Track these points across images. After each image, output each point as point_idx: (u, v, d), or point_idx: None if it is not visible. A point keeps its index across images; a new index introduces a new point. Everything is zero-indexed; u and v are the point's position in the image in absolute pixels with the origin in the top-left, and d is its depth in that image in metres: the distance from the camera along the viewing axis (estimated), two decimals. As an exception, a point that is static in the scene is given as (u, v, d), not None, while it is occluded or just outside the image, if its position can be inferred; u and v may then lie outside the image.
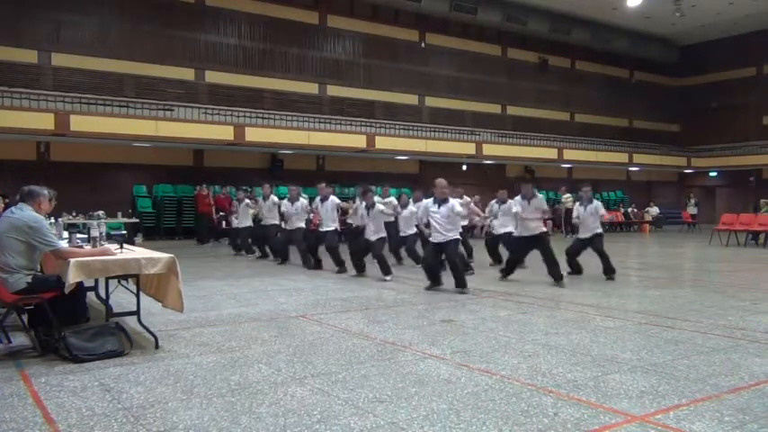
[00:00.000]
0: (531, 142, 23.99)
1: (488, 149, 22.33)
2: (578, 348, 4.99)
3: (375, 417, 3.41)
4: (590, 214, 9.64)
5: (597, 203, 9.73)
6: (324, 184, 10.69)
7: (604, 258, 9.46)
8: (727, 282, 9.41)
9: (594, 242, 9.53)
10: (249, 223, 13.04)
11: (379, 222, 9.66)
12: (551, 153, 24.34)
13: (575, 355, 4.78)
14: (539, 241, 8.94)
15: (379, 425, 3.29)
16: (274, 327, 5.84)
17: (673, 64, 29.68)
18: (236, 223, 16.31)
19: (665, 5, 22.80)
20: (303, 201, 11.12)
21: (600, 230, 9.68)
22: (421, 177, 22.41)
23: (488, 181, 22.50)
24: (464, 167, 23.51)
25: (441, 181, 8.26)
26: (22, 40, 15.81)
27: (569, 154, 24.80)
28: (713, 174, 29.66)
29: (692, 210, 25.27)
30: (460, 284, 7.99)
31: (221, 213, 16.85)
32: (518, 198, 9.29)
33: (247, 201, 13.02)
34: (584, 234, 9.70)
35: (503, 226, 11.05)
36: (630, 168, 27.99)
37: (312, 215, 11.59)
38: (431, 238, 8.23)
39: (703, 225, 24.39)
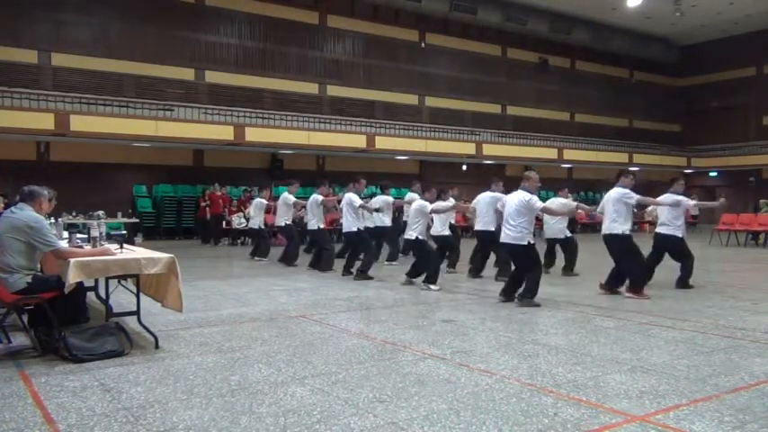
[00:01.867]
0: (531, 142, 23.98)
1: (488, 149, 22.32)
2: (578, 348, 4.99)
3: (375, 417, 3.41)
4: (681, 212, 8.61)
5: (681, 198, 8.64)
6: (363, 182, 10.01)
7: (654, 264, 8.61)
8: (727, 282, 9.41)
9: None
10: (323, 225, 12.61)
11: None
12: (551, 153, 24.33)
13: (575, 355, 4.78)
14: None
15: (379, 425, 3.29)
16: (274, 327, 5.84)
17: (673, 64, 29.67)
18: (236, 223, 16.29)
19: (665, 5, 22.79)
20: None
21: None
22: (421, 177, 22.40)
23: (488, 180, 22.47)
24: (464, 167, 23.50)
25: (534, 174, 7.22)
26: (21, 40, 15.80)
27: (569, 154, 24.79)
28: (713, 174, 29.65)
29: (692, 210, 25.26)
30: (532, 294, 7.07)
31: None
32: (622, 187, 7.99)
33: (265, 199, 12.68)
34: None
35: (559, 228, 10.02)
36: (630, 168, 27.95)
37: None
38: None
39: (703, 225, 24.39)
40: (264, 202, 12.66)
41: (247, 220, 16.85)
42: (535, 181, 7.15)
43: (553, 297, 7.67)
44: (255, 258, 12.45)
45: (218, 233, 16.68)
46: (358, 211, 9.62)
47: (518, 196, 7.07)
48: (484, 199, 9.43)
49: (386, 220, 11.24)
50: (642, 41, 27.28)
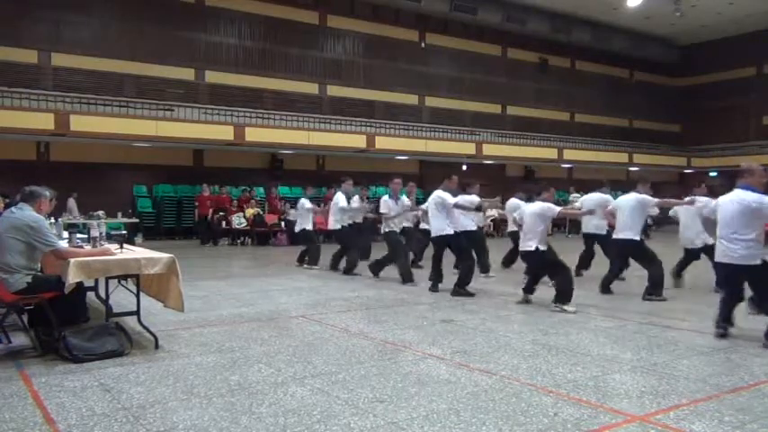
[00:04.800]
0: (531, 142, 23.97)
1: (488, 149, 22.32)
2: (578, 348, 4.99)
3: (375, 417, 3.41)
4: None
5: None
6: (455, 178, 8.67)
7: None
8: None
9: None
10: (310, 226, 11.32)
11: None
12: (551, 153, 24.32)
13: (575, 355, 4.78)
14: None
15: (379, 425, 3.29)
16: (274, 327, 5.84)
17: (673, 64, 29.66)
18: (236, 223, 16.26)
19: (665, 5, 22.78)
20: (405, 198, 9.74)
21: None
22: (421, 177, 22.41)
23: (490, 180, 22.48)
24: (464, 167, 23.50)
25: (756, 166, 5.38)
26: (22, 40, 15.78)
27: (569, 154, 24.79)
28: (713, 174, 29.64)
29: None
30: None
31: (221, 213, 16.87)
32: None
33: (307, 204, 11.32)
34: None
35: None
36: (630, 168, 27.98)
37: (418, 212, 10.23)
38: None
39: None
40: (308, 202, 11.31)
41: (247, 219, 16.91)
42: (760, 175, 5.24)
43: (551, 297, 7.65)
44: (305, 266, 11.02)
45: (209, 234, 16.63)
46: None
47: (742, 198, 5.21)
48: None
49: (469, 223, 9.37)
50: (642, 41, 27.27)
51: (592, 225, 9.51)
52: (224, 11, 18.79)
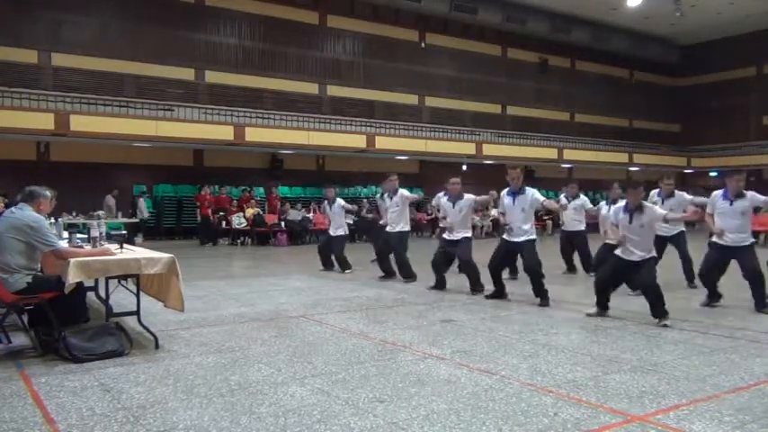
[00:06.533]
0: (531, 142, 23.99)
1: (488, 149, 22.33)
2: (578, 348, 4.99)
3: (375, 417, 3.41)
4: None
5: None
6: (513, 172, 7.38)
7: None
8: (727, 282, 9.38)
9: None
10: (345, 231, 10.60)
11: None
12: (551, 153, 24.34)
13: (575, 355, 4.78)
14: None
15: (379, 425, 3.29)
16: (274, 327, 5.84)
17: (673, 64, 29.67)
18: (236, 223, 16.21)
19: (665, 5, 22.78)
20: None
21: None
22: (421, 177, 22.42)
23: (488, 180, 22.46)
24: (464, 167, 23.50)
25: None
26: (22, 40, 15.79)
27: (569, 154, 24.80)
28: (713, 174, 29.65)
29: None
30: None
31: (221, 213, 16.88)
32: None
33: (343, 203, 10.45)
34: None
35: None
36: (630, 168, 28.00)
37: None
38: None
39: (705, 225, 24.38)
40: (342, 201, 10.48)
41: (247, 219, 16.90)
42: None
43: (552, 297, 7.65)
44: (347, 271, 10.19)
45: (208, 234, 16.62)
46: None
47: None
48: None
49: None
50: (642, 41, 27.27)
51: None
52: (224, 11, 18.80)
